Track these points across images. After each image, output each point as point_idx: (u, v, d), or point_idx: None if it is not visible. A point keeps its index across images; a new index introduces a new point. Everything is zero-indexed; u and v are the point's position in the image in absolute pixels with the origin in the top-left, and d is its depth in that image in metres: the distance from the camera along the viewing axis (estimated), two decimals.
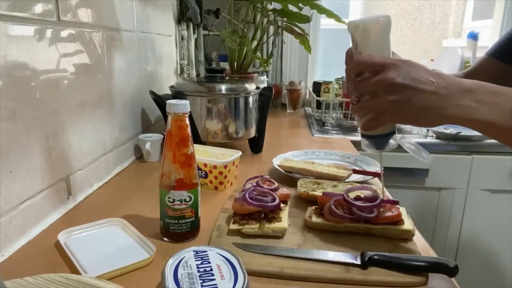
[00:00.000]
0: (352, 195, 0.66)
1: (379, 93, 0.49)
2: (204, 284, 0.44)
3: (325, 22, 1.93)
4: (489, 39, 1.97)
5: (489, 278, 1.52)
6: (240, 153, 0.87)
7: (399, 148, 1.44)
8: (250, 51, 1.37)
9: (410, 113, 0.48)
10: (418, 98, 0.47)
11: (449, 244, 1.53)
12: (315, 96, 1.71)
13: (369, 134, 0.57)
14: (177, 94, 1.02)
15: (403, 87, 0.47)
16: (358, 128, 0.57)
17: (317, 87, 1.77)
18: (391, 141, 0.57)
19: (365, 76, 0.51)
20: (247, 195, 0.63)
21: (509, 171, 1.42)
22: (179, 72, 1.51)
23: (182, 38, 1.50)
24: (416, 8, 2.39)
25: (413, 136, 1.55)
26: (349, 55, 0.54)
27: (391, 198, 0.66)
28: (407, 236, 0.60)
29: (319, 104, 1.67)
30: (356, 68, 0.52)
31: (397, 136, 0.57)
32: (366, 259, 0.52)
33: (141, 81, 1.09)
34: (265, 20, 1.44)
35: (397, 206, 0.63)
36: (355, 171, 0.90)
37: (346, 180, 0.85)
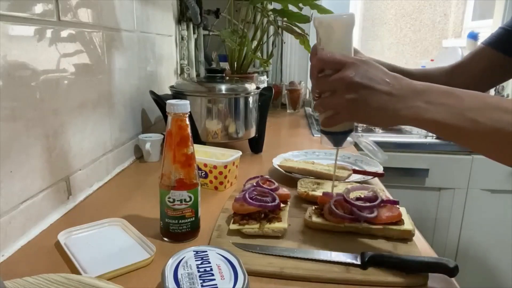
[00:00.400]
0: (352, 195, 0.66)
1: (337, 91, 0.50)
2: (204, 284, 0.44)
3: None
4: None
5: (489, 278, 1.52)
6: (240, 153, 0.87)
7: (400, 148, 1.45)
8: (250, 51, 1.37)
9: (366, 112, 0.49)
10: (373, 98, 0.48)
11: (449, 244, 1.53)
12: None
13: (328, 131, 0.58)
14: (177, 94, 1.02)
15: (360, 86, 0.48)
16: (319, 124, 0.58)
17: None
18: (349, 138, 0.59)
19: (326, 73, 0.52)
20: (247, 195, 0.63)
21: (509, 171, 1.42)
22: (179, 72, 1.51)
23: (182, 38, 1.50)
24: (416, 8, 2.38)
25: (413, 136, 1.55)
26: (315, 50, 0.55)
27: (391, 198, 0.66)
28: (407, 236, 0.60)
29: None
30: (317, 65, 0.53)
31: (356, 134, 0.58)
32: (366, 259, 0.52)
33: (141, 81, 1.09)
34: (265, 20, 1.44)
35: (397, 206, 0.63)
36: (355, 171, 0.90)
37: (346, 180, 0.85)
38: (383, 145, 1.45)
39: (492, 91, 1.86)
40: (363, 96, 0.48)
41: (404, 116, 0.48)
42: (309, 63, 0.55)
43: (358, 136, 0.61)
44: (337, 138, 0.59)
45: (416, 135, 1.57)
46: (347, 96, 0.49)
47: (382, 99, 0.48)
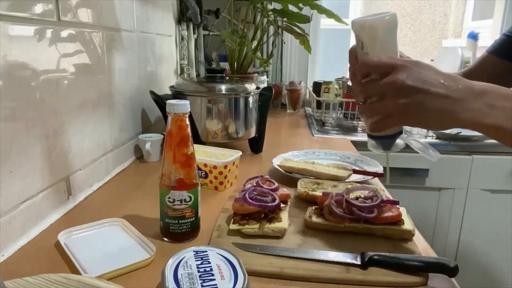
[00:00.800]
0: (352, 195, 0.66)
1: (387, 95, 0.48)
2: (204, 284, 0.44)
3: (325, 22, 1.93)
4: (489, 39, 1.97)
5: (489, 278, 1.52)
6: (240, 153, 0.87)
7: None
8: (250, 51, 1.37)
9: (421, 116, 0.47)
10: (429, 101, 0.45)
11: (449, 244, 1.53)
12: (315, 96, 1.71)
13: (376, 135, 0.56)
14: (177, 94, 1.02)
15: (414, 90, 0.46)
16: (365, 128, 0.56)
17: (317, 87, 1.77)
18: (398, 141, 0.56)
19: (373, 78, 0.50)
20: (247, 195, 0.63)
21: (509, 171, 1.42)
22: (179, 72, 1.51)
23: (182, 38, 1.50)
24: (416, 8, 2.39)
25: (413, 136, 1.55)
26: (353, 54, 0.53)
27: (391, 198, 0.66)
28: (407, 236, 0.60)
29: (319, 104, 1.67)
30: (363, 70, 0.50)
31: (404, 135, 0.56)
32: (366, 259, 0.52)
33: (141, 81, 1.09)
34: (265, 20, 1.44)
35: (397, 206, 0.63)
36: (355, 171, 0.90)
37: (346, 180, 0.85)
38: None
39: None
40: (417, 100, 0.46)
41: (463, 120, 0.45)
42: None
43: (406, 137, 0.58)
44: (386, 142, 0.56)
45: (416, 135, 1.57)
46: (400, 101, 0.46)
47: (438, 102, 0.45)
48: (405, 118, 0.48)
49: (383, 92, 0.48)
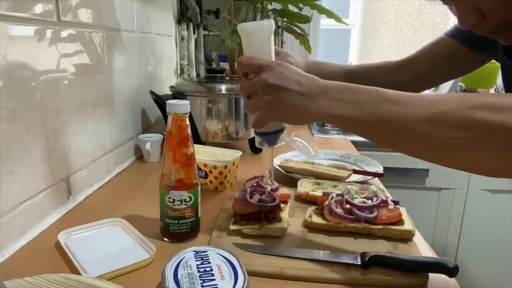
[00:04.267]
0: (356, 201, 0.65)
1: (257, 93, 0.54)
2: (204, 284, 0.44)
3: (325, 22, 1.93)
4: None
5: (489, 278, 1.52)
6: (240, 153, 0.87)
7: None
8: None
9: (282, 111, 0.53)
10: (288, 97, 0.51)
11: (449, 244, 1.53)
12: None
13: (260, 132, 0.61)
14: (177, 94, 1.02)
15: (276, 87, 0.52)
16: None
17: None
18: (282, 137, 0.62)
19: (250, 77, 0.55)
20: (247, 195, 0.63)
21: None
22: (179, 72, 1.51)
23: (182, 38, 1.50)
24: (416, 8, 2.39)
25: None
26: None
27: (391, 198, 0.66)
28: (407, 236, 0.60)
29: None
30: (240, 69, 0.56)
31: (285, 134, 0.63)
32: (366, 259, 0.52)
33: (141, 81, 1.09)
34: None
35: (397, 206, 0.63)
36: (355, 171, 0.90)
37: (346, 180, 0.85)
38: (383, 146, 1.46)
39: (492, 91, 1.86)
40: (278, 96, 0.52)
41: (315, 113, 0.51)
42: None
43: (293, 134, 0.67)
44: (269, 138, 0.62)
45: None
46: (265, 98, 0.52)
47: (295, 98, 0.51)
48: (271, 113, 0.54)
49: (254, 90, 0.54)
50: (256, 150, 1.13)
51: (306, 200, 0.75)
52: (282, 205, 0.66)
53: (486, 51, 0.76)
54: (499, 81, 1.81)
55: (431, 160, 0.47)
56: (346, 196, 0.64)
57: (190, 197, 0.60)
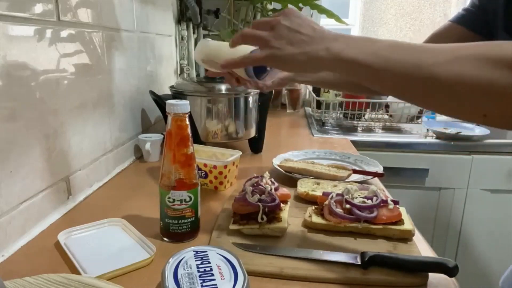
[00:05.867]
0: (356, 201, 0.65)
1: (271, 31, 0.53)
2: (204, 284, 0.44)
3: (325, 22, 1.93)
4: None
5: (489, 278, 1.52)
6: (240, 153, 0.87)
7: (400, 148, 1.45)
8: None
9: (292, 52, 0.52)
10: (299, 38, 0.51)
11: (449, 244, 1.53)
12: (315, 96, 1.71)
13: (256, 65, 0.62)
14: (177, 94, 1.02)
15: (289, 29, 0.52)
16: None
17: (317, 87, 1.77)
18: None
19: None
20: (247, 195, 0.63)
21: (509, 171, 1.42)
22: (179, 72, 1.51)
23: (182, 38, 1.50)
24: (416, 8, 2.39)
25: (413, 136, 1.55)
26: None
27: (391, 198, 0.66)
28: (407, 236, 0.60)
29: (319, 104, 1.67)
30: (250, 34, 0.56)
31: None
32: (366, 259, 0.52)
33: (141, 81, 1.09)
34: None
35: (397, 206, 0.63)
36: (355, 171, 0.90)
37: (346, 180, 0.85)
38: (383, 145, 1.46)
39: None
40: (290, 36, 0.52)
41: (325, 57, 0.50)
42: None
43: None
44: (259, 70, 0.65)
45: (416, 135, 1.57)
46: (276, 39, 0.52)
47: (307, 40, 0.51)
48: (281, 52, 0.52)
49: (269, 26, 0.54)
50: (256, 150, 1.13)
51: (306, 200, 0.75)
52: (282, 205, 0.66)
53: (490, 33, 0.76)
54: None
55: (444, 108, 0.45)
56: (346, 196, 0.64)
57: (190, 197, 0.60)
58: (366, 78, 0.49)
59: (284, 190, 0.71)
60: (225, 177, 0.83)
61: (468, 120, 0.46)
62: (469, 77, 0.40)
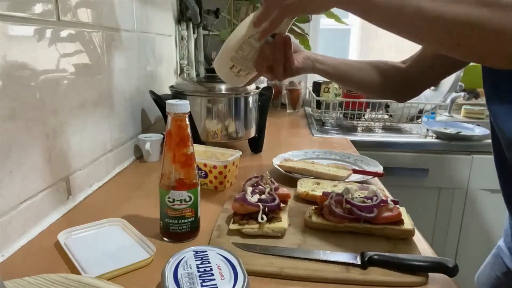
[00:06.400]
0: (356, 200, 0.65)
1: None
2: (204, 284, 0.44)
3: (325, 22, 1.93)
4: None
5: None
6: (240, 153, 0.87)
7: (400, 148, 1.45)
8: None
9: None
10: None
11: (449, 244, 1.53)
12: (315, 96, 1.71)
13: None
14: (177, 94, 1.02)
15: None
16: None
17: (317, 87, 1.77)
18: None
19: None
20: (247, 195, 0.63)
21: None
22: (179, 72, 1.51)
23: (182, 38, 1.50)
24: None
25: (413, 136, 1.55)
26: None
27: (391, 198, 0.66)
28: (407, 236, 0.60)
29: (319, 104, 1.67)
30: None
31: None
32: (366, 259, 0.52)
33: (141, 81, 1.09)
34: None
35: (397, 206, 0.63)
36: (355, 171, 0.90)
37: (346, 180, 0.85)
38: (383, 145, 1.46)
39: None
40: None
41: None
42: None
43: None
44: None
45: (416, 135, 1.57)
46: None
47: None
48: None
49: None
50: (256, 150, 1.13)
51: (306, 200, 0.75)
52: (282, 205, 0.66)
53: None
54: None
55: (425, 37, 0.49)
56: (346, 196, 0.64)
57: (190, 197, 0.60)
58: (379, 20, 0.51)
59: (284, 190, 0.71)
60: (225, 177, 0.83)
61: (443, 50, 0.51)
62: (451, 10, 0.44)
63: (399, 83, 0.82)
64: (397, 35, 0.51)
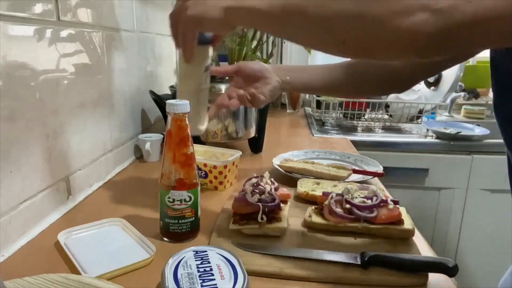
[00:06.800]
0: (356, 200, 0.65)
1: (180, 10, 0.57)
2: (204, 284, 0.44)
3: None
4: None
5: (489, 278, 1.52)
6: (240, 153, 0.87)
7: (400, 148, 1.45)
8: (250, 51, 1.37)
9: (198, 9, 0.55)
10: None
11: (449, 244, 1.53)
12: (315, 96, 1.71)
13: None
14: None
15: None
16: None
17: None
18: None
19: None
20: (247, 195, 0.63)
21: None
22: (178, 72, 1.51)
23: None
24: None
25: (412, 136, 1.55)
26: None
27: (391, 197, 0.66)
28: (407, 236, 0.60)
29: (319, 104, 1.67)
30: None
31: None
32: (366, 259, 0.52)
33: (141, 81, 1.09)
34: None
35: (397, 205, 0.63)
36: (355, 171, 0.90)
37: (346, 180, 0.85)
38: (383, 145, 1.46)
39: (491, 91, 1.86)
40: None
41: (226, 7, 0.52)
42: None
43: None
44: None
45: (416, 135, 1.57)
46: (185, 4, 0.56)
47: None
48: (190, 12, 0.55)
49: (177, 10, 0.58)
50: (256, 150, 1.13)
51: (306, 200, 0.75)
52: (282, 205, 0.66)
53: None
54: None
55: (312, 39, 0.49)
56: (346, 196, 0.64)
57: (190, 197, 0.60)
58: (268, 26, 0.53)
59: (284, 190, 0.71)
60: (225, 177, 0.83)
61: (329, 50, 0.53)
62: (335, 6, 0.44)
63: (385, 78, 0.80)
64: (290, 41, 0.52)
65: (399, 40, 0.41)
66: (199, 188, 0.61)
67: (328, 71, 0.82)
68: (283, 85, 0.77)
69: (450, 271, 0.49)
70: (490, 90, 1.94)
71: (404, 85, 0.82)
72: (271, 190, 0.67)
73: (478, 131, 1.51)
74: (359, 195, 0.65)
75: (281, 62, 2.01)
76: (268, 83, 0.75)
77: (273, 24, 0.51)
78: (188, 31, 0.58)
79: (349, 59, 0.84)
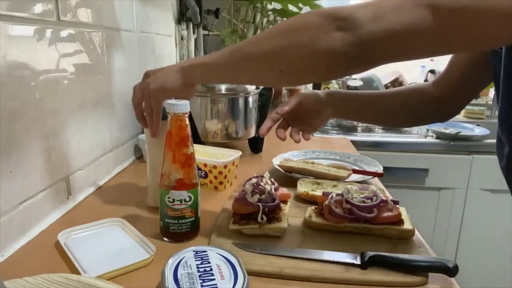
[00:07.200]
0: (356, 201, 0.65)
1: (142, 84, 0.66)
2: (204, 284, 0.44)
3: None
4: None
5: (489, 278, 1.52)
6: (240, 153, 0.87)
7: (400, 148, 1.45)
8: None
9: (162, 76, 0.62)
10: (165, 70, 0.63)
11: (449, 244, 1.53)
12: None
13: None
14: None
15: (154, 71, 0.65)
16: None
17: (317, 87, 1.77)
18: None
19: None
20: (247, 195, 0.63)
21: None
22: None
23: (182, 38, 1.50)
24: None
25: (412, 136, 1.55)
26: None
27: (391, 198, 0.66)
28: (407, 236, 0.60)
29: None
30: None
31: None
32: (366, 259, 0.52)
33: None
34: (265, 20, 1.44)
35: (397, 206, 0.63)
36: (355, 171, 0.90)
37: (346, 180, 0.85)
38: (383, 145, 1.46)
39: (491, 91, 1.85)
40: (157, 73, 0.64)
41: (188, 66, 0.60)
42: None
43: None
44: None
45: (416, 135, 1.57)
46: (147, 80, 0.64)
47: (171, 67, 0.63)
48: (153, 83, 0.62)
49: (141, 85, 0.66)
50: (256, 150, 1.13)
51: (306, 200, 0.75)
52: (282, 205, 0.66)
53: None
54: None
55: (254, 76, 0.56)
56: (346, 196, 0.64)
57: (190, 197, 0.60)
58: (219, 77, 0.61)
59: (284, 190, 0.71)
60: (225, 177, 0.83)
61: (271, 82, 0.67)
62: (268, 42, 0.51)
63: (429, 110, 0.81)
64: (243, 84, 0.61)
65: (323, 59, 0.47)
66: (199, 188, 0.61)
67: (381, 100, 0.83)
68: (334, 115, 0.80)
69: (450, 271, 0.49)
70: (490, 90, 1.94)
71: (448, 115, 0.83)
72: (271, 190, 0.67)
73: (478, 131, 1.51)
74: (359, 195, 0.65)
75: None
76: (319, 117, 0.79)
77: (225, 73, 0.57)
78: (155, 103, 0.62)
79: (402, 88, 0.86)
